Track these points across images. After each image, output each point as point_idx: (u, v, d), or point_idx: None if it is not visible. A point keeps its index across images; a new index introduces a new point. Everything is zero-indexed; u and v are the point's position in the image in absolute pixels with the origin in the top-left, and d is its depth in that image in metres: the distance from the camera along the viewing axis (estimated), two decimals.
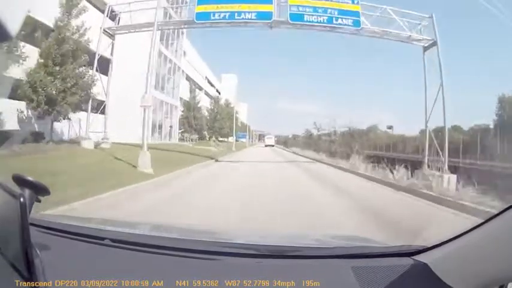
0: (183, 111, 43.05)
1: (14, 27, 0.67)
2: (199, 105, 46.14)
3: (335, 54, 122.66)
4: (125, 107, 24.04)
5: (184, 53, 43.72)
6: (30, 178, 0.92)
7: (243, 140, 75.52)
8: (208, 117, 52.56)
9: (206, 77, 62.16)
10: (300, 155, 33.85)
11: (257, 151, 44.12)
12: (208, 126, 51.69)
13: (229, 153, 31.09)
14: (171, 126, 38.95)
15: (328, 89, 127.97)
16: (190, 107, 43.56)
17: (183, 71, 42.67)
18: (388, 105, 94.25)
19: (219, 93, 66.99)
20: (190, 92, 44.53)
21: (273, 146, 67.10)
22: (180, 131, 42.28)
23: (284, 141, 79.69)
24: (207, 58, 64.13)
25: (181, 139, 40.50)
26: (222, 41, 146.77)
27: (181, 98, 42.30)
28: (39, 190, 0.94)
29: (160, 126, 36.39)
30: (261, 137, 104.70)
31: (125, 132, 23.30)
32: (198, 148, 30.78)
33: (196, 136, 44.73)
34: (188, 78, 46.54)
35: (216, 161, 20.68)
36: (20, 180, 0.91)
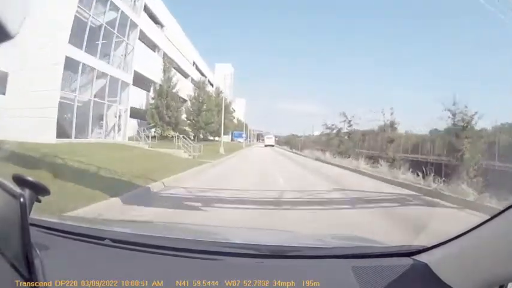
0: (153, 99, 31.82)
1: (14, 27, 0.67)
2: (175, 90, 32.84)
3: (336, 53, 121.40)
4: (24, 84, 16.20)
5: (161, 25, 34.13)
6: (30, 178, 0.92)
7: (240, 139, 65.00)
8: (191, 109, 40.29)
9: (194, 63, 49.80)
10: (337, 166, 19.65)
11: (257, 154, 33.91)
12: (190, 121, 39.88)
13: (207, 161, 17.31)
14: (118, 117, 25.59)
15: (329, 88, 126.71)
16: (162, 92, 31.20)
17: (142, 31, 28.16)
18: (388, 105, 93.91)
19: (212, 85, 56.50)
20: (164, 72, 31.91)
21: (273, 146, 65.42)
22: (151, 125, 31.13)
23: (286, 141, 67.10)
24: (199, 48, 55.20)
25: (147, 137, 26.91)
26: (219, 31, 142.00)
27: (153, 83, 31.91)
28: (39, 190, 0.94)
29: (102, 116, 23.57)
30: (259, 137, 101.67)
31: (23, 123, 15.58)
32: (150, 153, 17.89)
33: (175, 134, 31.05)
34: (165, 57, 34.40)
35: (132, 203, 6.33)
36: (20, 180, 0.91)
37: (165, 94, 31.38)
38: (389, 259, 1.25)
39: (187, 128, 39.63)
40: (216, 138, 50.82)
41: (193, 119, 40.31)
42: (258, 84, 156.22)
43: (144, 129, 29.31)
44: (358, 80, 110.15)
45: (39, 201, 0.97)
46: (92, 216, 5.08)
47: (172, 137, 31.41)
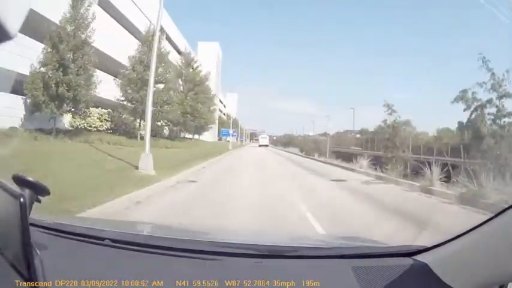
0: (45, 52, 16.85)
1: (14, 27, 0.66)
2: (86, 37, 17.94)
3: (334, 53, 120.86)
4: None
5: None
6: (30, 178, 0.92)
7: (229, 138, 51.46)
8: (130, 73, 23.33)
9: (162, 29, 30.89)
10: None
11: (251, 172, 15.43)
12: (128, 101, 23.59)
13: None
14: None
15: (326, 88, 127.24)
16: (61, 41, 16.84)
17: None
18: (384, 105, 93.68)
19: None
20: (73, 7, 17.67)
21: (267, 145, 63.58)
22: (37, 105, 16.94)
23: (287, 142, 55.41)
24: (182, 27, 41.04)
25: None
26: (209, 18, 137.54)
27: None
28: (39, 190, 0.94)
29: None
30: (253, 136, 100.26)
31: None
32: None
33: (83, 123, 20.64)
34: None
35: None
36: (20, 180, 0.91)
37: (65, 45, 16.81)
38: (389, 259, 1.26)
39: (123, 114, 24.33)
40: (195, 136, 38.04)
41: (131, 98, 23.39)
42: (252, 83, 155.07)
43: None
44: (356, 81, 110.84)
45: (39, 201, 0.97)
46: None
47: (96, 128, 21.48)
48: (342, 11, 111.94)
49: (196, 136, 40.67)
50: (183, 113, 31.09)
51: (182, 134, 36.66)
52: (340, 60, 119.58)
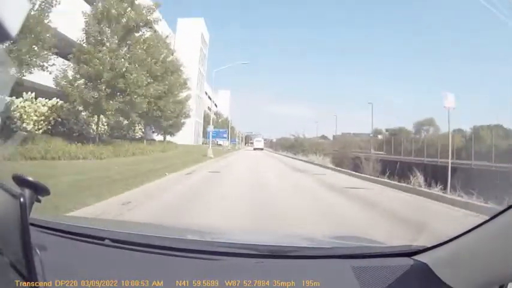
0: None
1: (13, 27, 0.66)
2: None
3: (330, 54, 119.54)
4: None
5: None
6: (30, 178, 0.92)
7: (221, 142, 43.78)
8: None
9: None
10: None
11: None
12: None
13: None
14: None
15: (322, 92, 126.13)
16: None
17: None
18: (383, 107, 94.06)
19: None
20: None
21: (262, 149, 62.93)
22: None
23: (291, 146, 43.86)
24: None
25: None
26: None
27: None
28: (39, 190, 0.94)
29: None
30: (248, 139, 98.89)
31: None
32: None
33: None
34: None
35: None
36: (20, 180, 0.91)
37: None
38: (389, 259, 1.26)
39: None
40: (166, 138, 27.28)
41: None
42: (249, 86, 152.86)
43: None
44: (352, 84, 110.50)
45: (39, 201, 0.97)
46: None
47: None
48: (342, 12, 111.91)
49: (161, 137, 26.83)
50: (104, 81, 15.78)
51: (139, 135, 24.10)
52: (340, 62, 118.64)
